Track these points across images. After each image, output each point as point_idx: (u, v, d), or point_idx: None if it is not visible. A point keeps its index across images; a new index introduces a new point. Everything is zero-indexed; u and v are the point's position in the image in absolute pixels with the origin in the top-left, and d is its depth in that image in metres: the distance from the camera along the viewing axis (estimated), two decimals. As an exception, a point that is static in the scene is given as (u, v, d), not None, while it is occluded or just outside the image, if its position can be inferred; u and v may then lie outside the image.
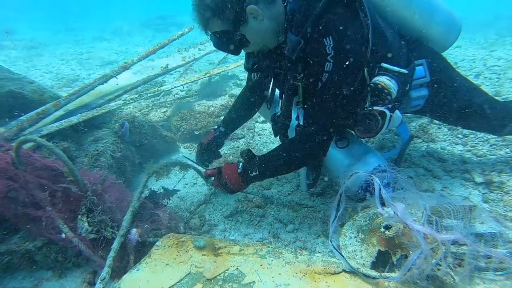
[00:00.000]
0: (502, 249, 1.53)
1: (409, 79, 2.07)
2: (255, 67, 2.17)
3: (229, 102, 4.60)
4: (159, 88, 3.67)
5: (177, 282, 1.81)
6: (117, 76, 3.02)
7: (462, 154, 3.01)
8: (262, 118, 4.13)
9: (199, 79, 4.20)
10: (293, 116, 2.22)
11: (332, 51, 1.74)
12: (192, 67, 5.94)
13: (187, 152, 3.65)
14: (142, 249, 2.06)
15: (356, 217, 1.93)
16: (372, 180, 2.01)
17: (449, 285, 1.48)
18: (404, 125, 2.43)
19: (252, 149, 3.56)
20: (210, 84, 5.15)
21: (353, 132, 2.26)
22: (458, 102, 2.31)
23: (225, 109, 4.45)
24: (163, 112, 4.44)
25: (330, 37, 1.73)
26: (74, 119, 2.46)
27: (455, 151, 3.08)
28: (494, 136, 3.11)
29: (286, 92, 2.01)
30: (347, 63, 1.77)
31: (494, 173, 2.65)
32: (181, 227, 2.37)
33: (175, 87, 3.80)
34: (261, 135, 3.90)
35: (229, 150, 3.58)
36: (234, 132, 3.91)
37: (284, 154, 2.07)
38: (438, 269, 1.46)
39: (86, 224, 1.85)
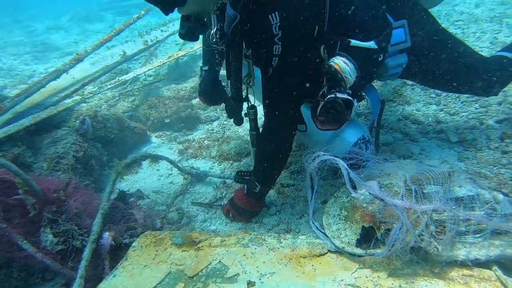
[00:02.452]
0: (479, 211, 1.50)
1: (381, 51, 1.84)
2: (190, 34, 1.72)
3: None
4: (119, 78, 3.43)
5: (157, 284, 1.72)
6: (72, 69, 2.77)
7: (436, 114, 2.99)
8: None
9: (163, 63, 3.97)
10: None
11: (280, 32, 1.51)
12: (157, 51, 5.64)
13: (159, 140, 3.48)
14: (118, 252, 1.95)
15: (338, 194, 1.87)
16: (359, 144, 1.95)
17: (433, 255, 1.45)
18: (374, 91, 2.23)
19: (227, 130, 3.46)
20: (178, 66, 4.90)
21: None
22: (444, 67, 2.07)
23: (195, 91, 4.24)
24: (131, 101, 4.21)
25: (275, 13, 1.48)
26: (25, 122, 2.24)
27: (429, 111, 3.06)
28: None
29: (234, 71, 1.72)
30: (298, 45, 1.56)
31: (466, 131, 2.67)
32: (158, 223, 2.27)
33: (137, 75, 3.57)
34: (235, 115, 3.77)
35: (204, 134, 3.44)
36: (208, 114, 3.78)
37: (262, 159, 2.02)
38: (422, 240, 1.43)
39: (50, 236, 1.71)
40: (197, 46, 4.70)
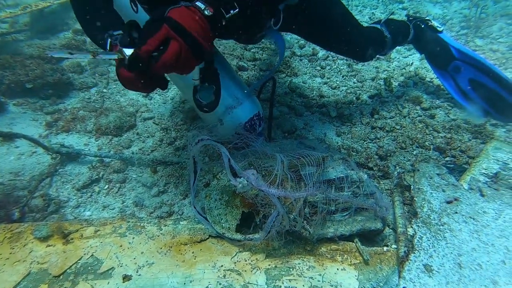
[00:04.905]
0: (347, 191, 1.65)
1: None
2: None
3: (73, 41, 3.74)
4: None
5: (11, 291, 1.48)
6: None
7: (320, 87, 3.16)
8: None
9: (16, 15, 3.21)
10: None
11: None
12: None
13: (19, 109, 2.89)
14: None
15: (220, 176, 1.82)
16: (254, 120, 1.91)
17: (306, 235, 1.55)
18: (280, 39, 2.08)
19: (107, 99, 3.07)
20: (43, 16, 4.06)
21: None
22: (327, 22, 2.11)
23: (68, 50, 3.61)
24: (-26, 56, 3.36)
25: None
26: None
27: (314, 84, 3.21)
28: (345, 67, 3.36)
29: None
30: None
31: (344, 105, 2.89)
32: (16, 213, 1.94)
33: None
34: (117, 81, 3.34)
35: (78, 103, 2.98)
36: (83, 80, 3.27)
37: None
38: (296, 223, 1.50)
39: None
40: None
